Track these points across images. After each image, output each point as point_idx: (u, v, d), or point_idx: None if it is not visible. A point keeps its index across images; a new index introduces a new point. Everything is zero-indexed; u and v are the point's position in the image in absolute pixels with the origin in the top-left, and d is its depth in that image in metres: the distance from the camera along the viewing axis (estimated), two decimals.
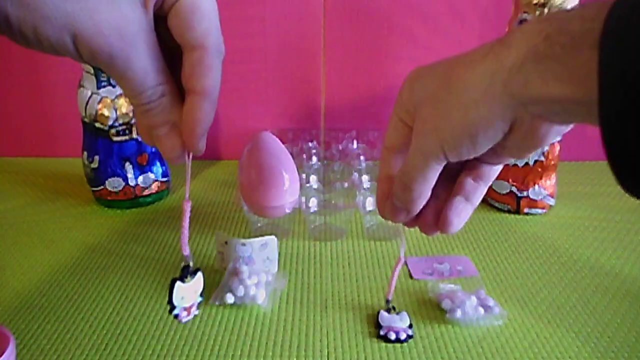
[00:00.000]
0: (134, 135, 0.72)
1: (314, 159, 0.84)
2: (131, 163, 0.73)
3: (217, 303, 0.52)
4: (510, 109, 0.29)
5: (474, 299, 0.51)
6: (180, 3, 0.30)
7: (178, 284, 0.39)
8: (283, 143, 0.60)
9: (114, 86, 0.69)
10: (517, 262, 0.61)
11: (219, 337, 0.48)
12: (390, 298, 0.50)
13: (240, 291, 0.52)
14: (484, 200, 0.75)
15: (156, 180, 0.75)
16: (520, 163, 0.71)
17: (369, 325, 0.50)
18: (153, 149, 0.74)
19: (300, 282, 0.57)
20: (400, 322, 0.49)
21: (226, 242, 0.57)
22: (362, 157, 0.82)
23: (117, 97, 0.70)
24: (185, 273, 0.40)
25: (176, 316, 0.40)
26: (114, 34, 0.28)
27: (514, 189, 0.72)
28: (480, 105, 0.29)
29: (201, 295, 0.41)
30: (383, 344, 0.47)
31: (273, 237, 0.57)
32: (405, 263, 0.60)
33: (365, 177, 0.76)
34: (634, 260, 0.61)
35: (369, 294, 0.55)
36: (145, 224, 0.70)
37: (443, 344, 0.47)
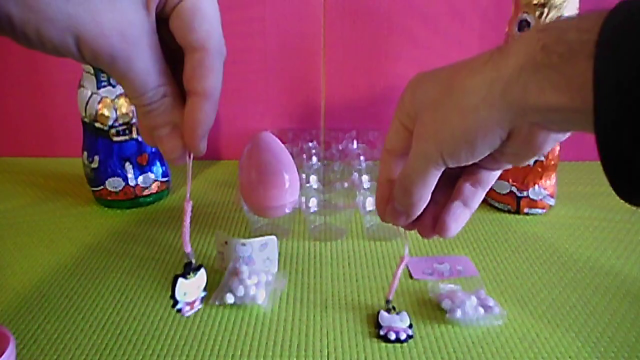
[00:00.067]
0: (134, 135, 0.72)
1: (314, 159, 0.84)
2: (131, 163, 0.73)
3: (217, 303, 0.52)
4: (509, 117, 0.29)
5: (474, 299, 0.51)
6: (182, 5, 0.30)
7: (180, 280, 0.39)
8: (283, 143, 0.60)
9: (114, 86, 0.69)
10: (517, 262, 0.61)
11: (219, 337, 0.48)
12: (390, 298, 0.50)
13: (240, 291, 0.52)
14: (484, 200, 0.75)
15: (156, 180, 0.75)
16: None
17: (369, 325, 0.50)
18: (153, 149, 0.74)
19: (300, 282, 0.57)
20: (400, 322, 0.49)
21: (226, 242, 0.57)
22: (362, 157, 0.82)
23: (117, 97, 0.70)
24: (188, 269, 0.41)
25: (179, 310, 0.41)
26: (116, 36, 0.28)
27: (514, 189, 0.72)
28: (479, 112, 0.29)
29: (204, 289, 0.42)
30: (383, 344, 0.47)
31: (273, 237, 0.57)
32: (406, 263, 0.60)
33: (365, 177, 0.76)
34: (634, 260, 0.61)
35: (369, 294, 0.55)
36: (145, 224, 0.70)
37: (443, 344, 0.47)
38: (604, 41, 0.24)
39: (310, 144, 0.87)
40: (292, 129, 0.92)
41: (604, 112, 0.24)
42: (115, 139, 0.71)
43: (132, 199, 0.74)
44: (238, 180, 0.60)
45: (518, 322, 0.50)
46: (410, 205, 0.36)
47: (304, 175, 0.73)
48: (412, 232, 0.39)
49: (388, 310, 0.50)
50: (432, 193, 0.35)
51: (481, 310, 0.50)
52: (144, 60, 0.30)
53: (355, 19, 0.88)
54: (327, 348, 0.47)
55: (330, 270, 0.59)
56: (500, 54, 0.29)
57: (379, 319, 0.49)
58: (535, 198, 0.71)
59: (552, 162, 0.70)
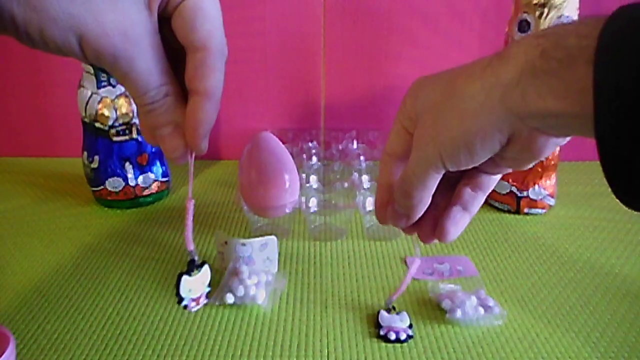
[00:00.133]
0: (134, 135, 0.72)
1: (314, 159, 0.84)
2: (131, 163, 0.73)
3: (217, 303, 0.52)
4: (508, 122, 0.29)
5: (474, 299, 0.51)
6: (184, 5, 0.30)
7: (185, 277, 0.40)
8: (283, 143, 0.60)
9: (114, 86, 0.69)
10: (517, 262, 0.61)
11: (219, 337, 0.48)
12: (394, 299, 0.50)
13: (240, 291, 0.52)
14: (484, 200, 0.74)
15: (156, 180, 0.75)
16: None
17: (369, 325, 0.50)
18: (153, 149, 0.74)
19: (300, 282, 0.57)
20: (400, 322, 0.49)
21: (226, 242, 0.57)
22: (362, 157, 0.82)
23: (117, 97, 0.70)
24: (192, 267, 0.41)
25: (185, 307, 0.41)
26: (118, 35, 0.28)
27: (514, 189, 0.72)
28: (479, 117, 0.30)
29: (209, 285, 0.42)
30: (383, 344, 0.47)
31: (273, 237, 0.57)
32: (405, 263, 0.60)
33: (365, 177, 0.76)
34: (634, 260, 0.61)
35: (369, 294, 0.55)
36: (145, 224, 0.70)
37: (443, 344, 0.47)
38: (603, 46, 0.24)
39: (310, 144, 0.87)
40: (292, 129, 0.92)
41: (605, 117, 0.24)
42: (115, 139, 0.71)
43: (132, 199, 0.74)
44: (238, 180, 0.60)
45: (518, 322, 0.50)
46: (410, 208, 0.36)
47: (304, 175, 0.73)
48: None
49: (388, 310, 0.50)
50: (433, 196, 0.35)
51: (481, 310, 0.50)
52: (146, 60, 0.30)
53: (355, 19, 0.88)
54: (327, 348, 0.47)
55: (330, 270, 0.59)
56: (500, 60, 0.29)
57: (379, 319, 0.49)
58: (535, 198, 0.71)
59: (552, 162, 0.70)
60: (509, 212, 0.73)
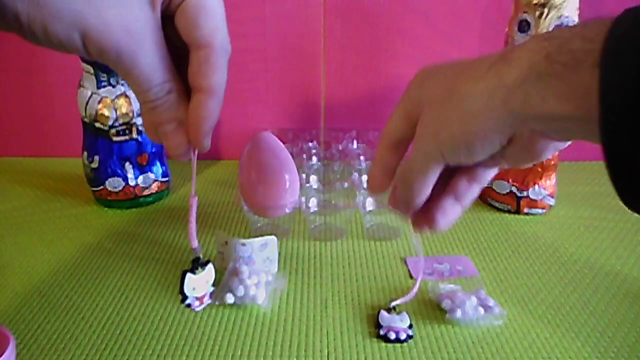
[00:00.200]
0: (134, 135, 0.72)
1: (314, 159, 0.84)
2: (131, 163, 0.73)
3: (217, 303, 0.52)
4: (509, 124, 0.29)
5: (474, 299, 0.51)
6: (187, 2, 0.31)
7: (189, 275, 0.40)
8: (283, 143, 0.60)
9: (114, 86, 0.69)
10: (517, 262, 0.61)
11: (219, 337, 0.48)
12: (400, 302, 0.50)
13: (240, 291, 0.52)
14: (484, 201, 0.75)
15: (156, 180, 0.75)
16: None
17: (369, 325, 0.50)
18: (153, 149, 0.74)
19: (300, 282, 0.57)
20: (400, 322, 0.49)
21: (226, 242, 0.57)
22: (362, 157, 0.82)
23: (117, 97, 0.70)
24: (196, 265, 0.41)
25: (188, 305, 0.41)
26: (121, 32, 0.28)
27: (514, 189, 0.72)
28: (480, 118, 0.30)
29: (213, 285, 0.42)
30: (383, 344, 0.47)
31: (273, 237, 0.57)
32: (405, 263, 0.60)
33: (365, 177, 0.76)
34: (634, 260, 0.61)
35: (369, 294, 0.55)
36: (145, 224, 0.70)
37: (443, 344, 0.47)
38: (609, 50, 0.24)
39: (310, 144, 0.87)
40: (292, 129, 0.92)
41: (611, 121, 0.24)
42: (115, 139, 0.71)
43: (132, 199, 0.74)
44: (238, 180, 0.60)
45: (518, 322, 0.50)
46: (410, 198, 0.36)
47: (304, 175, 0.73)
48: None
49: (388, 310, 0.50)
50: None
51: (481, 310, 0.50)
52: (149, 56, 0.30)
53: (355, 19, 0.88)
54: (327, 348, 0.47)
55: (330, 270, 0.59)
56: (503, 61, 0.29)
57: (379, 319, 0.49)
58: (535, 198, 0.71)
59: (552, 162, 0.70)
60: (509, 212, 0.73)
